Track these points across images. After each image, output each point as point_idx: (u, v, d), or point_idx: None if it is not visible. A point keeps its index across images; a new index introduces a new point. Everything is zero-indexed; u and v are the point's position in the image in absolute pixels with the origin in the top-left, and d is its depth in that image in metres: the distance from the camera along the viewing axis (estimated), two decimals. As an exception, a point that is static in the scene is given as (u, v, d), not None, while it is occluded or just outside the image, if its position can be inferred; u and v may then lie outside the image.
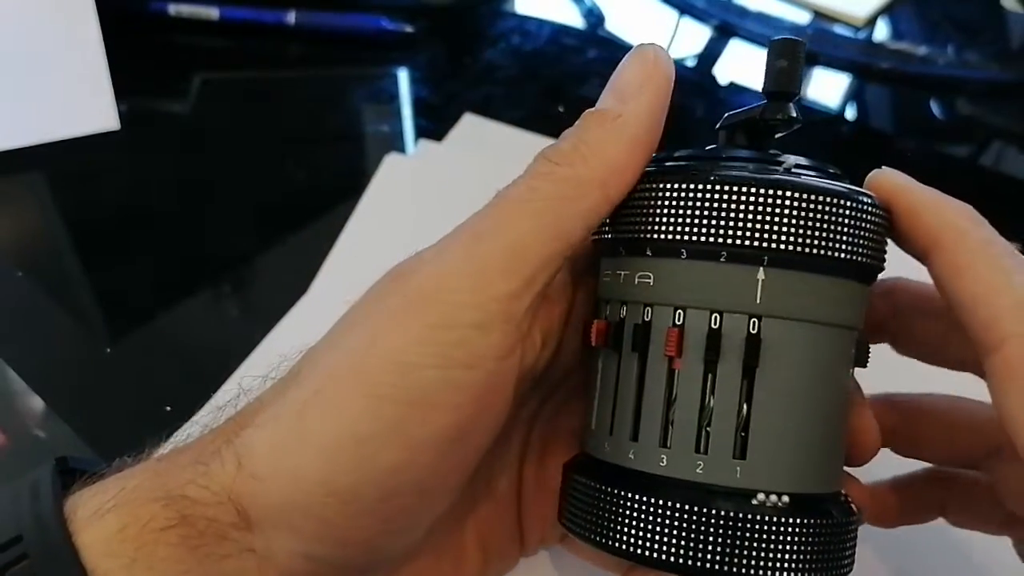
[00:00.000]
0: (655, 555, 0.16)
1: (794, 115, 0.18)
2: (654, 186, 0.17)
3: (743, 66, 0.47)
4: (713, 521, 0.16)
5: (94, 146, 0.38)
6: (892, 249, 0.18)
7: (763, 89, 0.18)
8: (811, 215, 0.16)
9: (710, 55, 0.48)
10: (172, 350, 0.31)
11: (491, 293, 0.16)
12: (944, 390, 0.20)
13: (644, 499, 0.16)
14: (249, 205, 0.37)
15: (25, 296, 0.32)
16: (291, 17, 0.45)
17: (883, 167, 0.18)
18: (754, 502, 0.16)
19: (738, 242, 0.16)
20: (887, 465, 0.20)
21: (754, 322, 0.16)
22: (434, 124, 0.40)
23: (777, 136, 0.19)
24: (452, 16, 0.50)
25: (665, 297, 0.17)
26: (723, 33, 0.49)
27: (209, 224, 0.36)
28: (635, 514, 0.16)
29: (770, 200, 0.16)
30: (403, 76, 0.45)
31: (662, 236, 0.17)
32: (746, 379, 0.16)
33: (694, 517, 0.16)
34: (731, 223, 0.16)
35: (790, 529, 0.16)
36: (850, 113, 0.45)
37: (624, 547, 0.16)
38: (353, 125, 0.43)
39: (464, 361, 0.16)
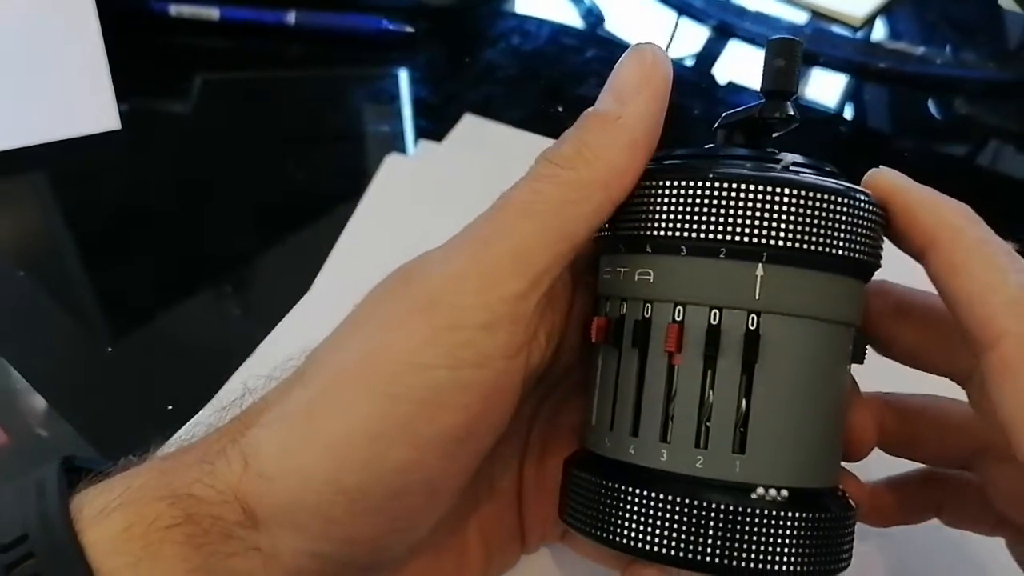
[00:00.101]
0: (655, 549, 0.16)
1: (792, 114, 0.18)
2: (654, 184, 0.17)
3: (741, 66, 0.47)
4: (713, 515, 0.16)
5: (95, 146, 0.38)
6: (888, 248, 0.18)
7: (761, 88, 0.18)
8: (809, 212, 0.16)
9: (709, 55, 0.48)
10: (173, 350, 0.31)
11: (498, 294, 0.16)
12: (938, 391, 0.20)
13: (644, 493, 0.16)
14: (250, 205, 0.37)
15: (26, 296, 0.32)
16: (291, 17, 0.45)
17: (880, 166, 0.18)
18: (753, 496, 0.16)
19: (737, 239, 0.16)
20: (881, 466, 0.21)
21: (753, 318, 0.16)
22: (434, 124, 0.40)
23: (775, 135, 0.19)
24: (452, 16, 0.50)
25: (665, 293, 0.17)
26: (721, 33, 0.49)
27: (210, 224, 0.36)
28: (635, 508, 0.16)
29: (768, 197, 0.16)
30: (403, 76, 0.45)
31: (662, 233, 0.17)
32: (745, 374, 0.16)
33: (694, 511, 0.16)
34: (730, 220, 0.16)
35: (789, 523, 0.16)
36: (848, 112, 0.46)
37: (625, 541, 0.16)
38: (353, 125, 0.43)
39: (473, 361, 0.16)
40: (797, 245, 0.16)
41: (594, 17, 0.50)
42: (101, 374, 0.30)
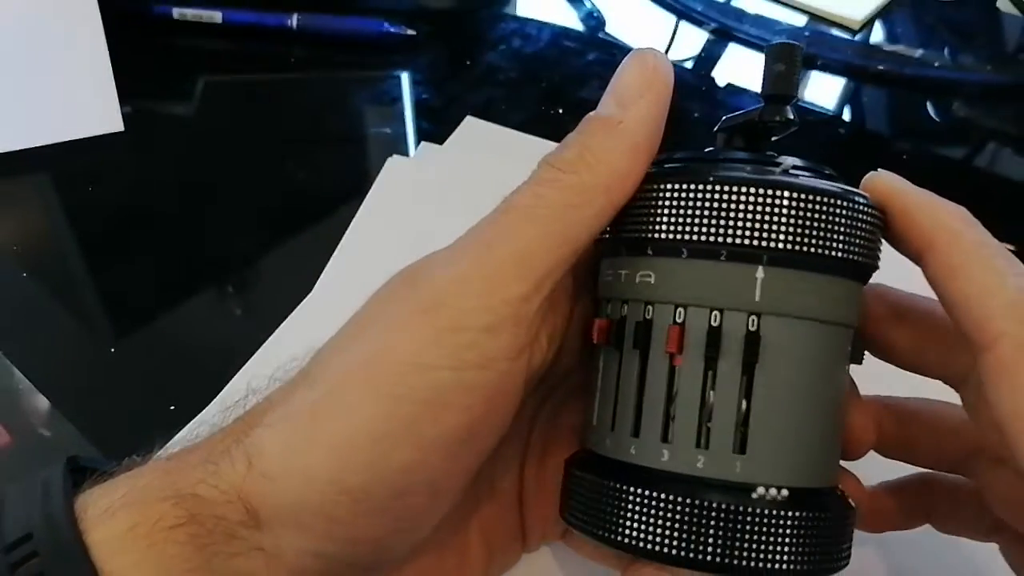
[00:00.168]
0: (656, 548, 0.16)
1: (791, 118, 0.18)
2: (655, 187, 0.17)
3: (741, 68, 0.47)
4: (713, 514, 0.16)
5: (98, 148, 0.38)
6: (887, 251, 0.18)
7: (761, 92, 0.18)
8: (808, 215, 0.16)
9: (708, 58, 0.48)
10: (176, 350, 0.31)
11: (501, 297, 0.16)
12: (933, 394, 0.20)
13: (645, 493, 0.16)
14: (252, 206, 0.38)
15: (30, 296, 0.32)
16: (293, 20, 0.45)
17: (879, 169, 0.18)
18: (754, 495, 0.16)
19: (738, 241, 0.16)
20: (876, 469, 0.21)
21: (753, 319, 0.16)
22: (435, 126, 0.40)
23: (774, 138, 0.19)
24: (453, 19, 0.50)
25: (666, 295, 0.17)
26: (721, 36, 0.49)
27: (212, 225, 0.36)
28: (637, 508, 0.16)
29: (768, 200, 0.16)
30: (405, 79, 0.45)
31: (663, 236, 0.17)
32: (746, 375, 0.17)
33: (695, 510, 0.16)
34: (731, 223, 0.16)
35: (789, 522, 0.16)
36: (846, 115, 0.46)
37: (626, 540, 0.16)
38: (355, 127, 0.43)
39: (476, 362, 0.16)
40: (797, 247, 0.16)
41: (594, 20, 0.50)
42: (104, 374, 0.30)
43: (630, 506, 0.16)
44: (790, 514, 0.16)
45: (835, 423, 0.18)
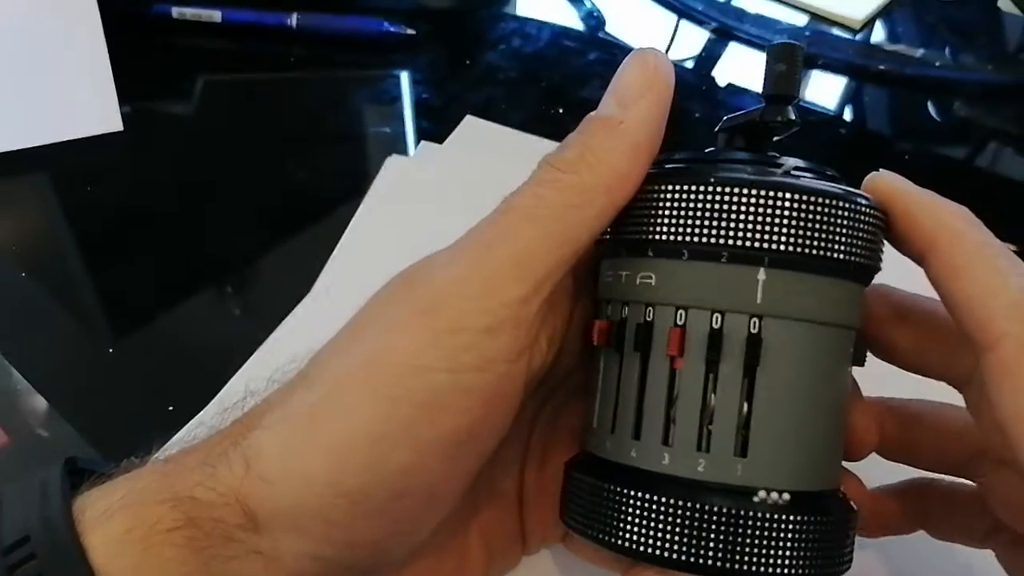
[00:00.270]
0: (657, 552, 0.16)
1: (793, 118, 0.18)
2: (656, 188, 0.17)
3: (741, 68, 0.47)
4: (715, 518, 0.16)
5: (97, 147, 0.38)
6: (889, 251, 0.18)
7: (762, 93, 0.18)
8: (810, 216, 0.16)
9: (709, 57, 0.48)
10: (174, 350, 0.31)
11: (500, 299, 0.16)
12: (936, 395, 0.20)
13: (646, 496, 0.16)
14: (251, 206, 0.38)
15: (28, 296, 0.32)
16: (293, 20, 0.45)
17: (880, 170, 0.18)
18: (755, 499, 0.16)
19: (739, 243, 0.16)
20: (875, 471, 0.21)
21: (755, 322, 0.16)
22: (435, 126, 0.40)
23: (776, 139, 0.19)
24: (453, 19, 0.50)
25: (667, 297, 0.17)
26: (721, 36, 0.49)
27: (211, 225, 0.36)
28: (637, 511, 0.16)
29: (770, 202, 0.16)
30: (404, 78, 0.45)
31: (664, 237, 0.17)
32: (747, 378, 0.16)
33: (696, 514, 0.16)
34: (732, 224, 0.16)
35: (790, 526, 0.16)
36: (847, 114, 0.46)
37: (626, 544, 0.16)
38: (355, 127, 0.43)
39: (474, 364, 0.16)
40: (799, 249, 0.16)
41: (595, 20, 0.50)
42: (102, 375, 0.30)
43: (630, 509, 0.16)
44: (791, 518, 0.16)
45: (837, 426, 0.18)
